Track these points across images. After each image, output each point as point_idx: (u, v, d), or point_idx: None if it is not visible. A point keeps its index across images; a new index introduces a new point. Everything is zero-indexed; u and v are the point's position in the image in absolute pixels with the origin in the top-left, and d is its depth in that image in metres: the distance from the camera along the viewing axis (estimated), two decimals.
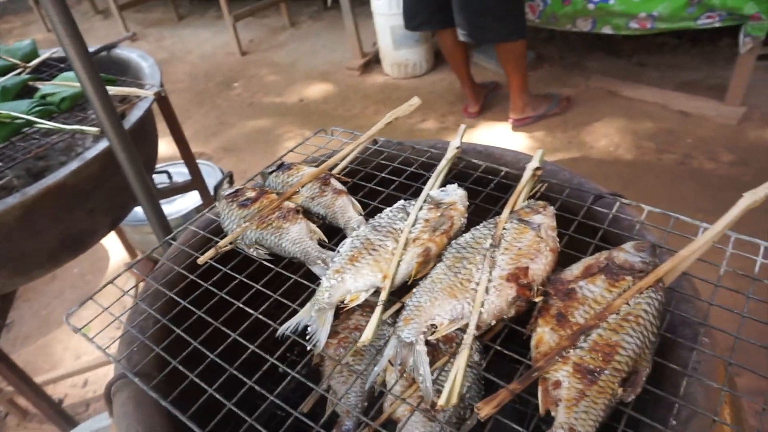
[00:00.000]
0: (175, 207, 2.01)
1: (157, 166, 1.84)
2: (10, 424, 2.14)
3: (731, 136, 2.73)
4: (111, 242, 3.13)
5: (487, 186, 0.87)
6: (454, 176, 0.91)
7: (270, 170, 0.93)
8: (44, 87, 1.47)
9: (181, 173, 2.19)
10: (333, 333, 0.91)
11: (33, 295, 2.79)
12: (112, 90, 1.38)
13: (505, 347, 0.64)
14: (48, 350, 2.44)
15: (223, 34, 5.26)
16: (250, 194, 0.86)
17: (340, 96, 3.97)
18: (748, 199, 0.65)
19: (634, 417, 0.55)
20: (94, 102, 1.08)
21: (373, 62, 4.21)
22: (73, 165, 1.24)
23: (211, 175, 2.19)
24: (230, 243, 0.81)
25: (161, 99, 1.54)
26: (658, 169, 2.64)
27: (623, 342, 0.57)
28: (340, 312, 0.83)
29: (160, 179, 2.02)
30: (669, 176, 2.58)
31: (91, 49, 1.22)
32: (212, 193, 1.88)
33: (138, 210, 2.08)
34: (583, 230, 0.77)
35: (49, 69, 1.68)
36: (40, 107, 1.35)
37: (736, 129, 2.77)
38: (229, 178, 2.05)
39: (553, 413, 0.54)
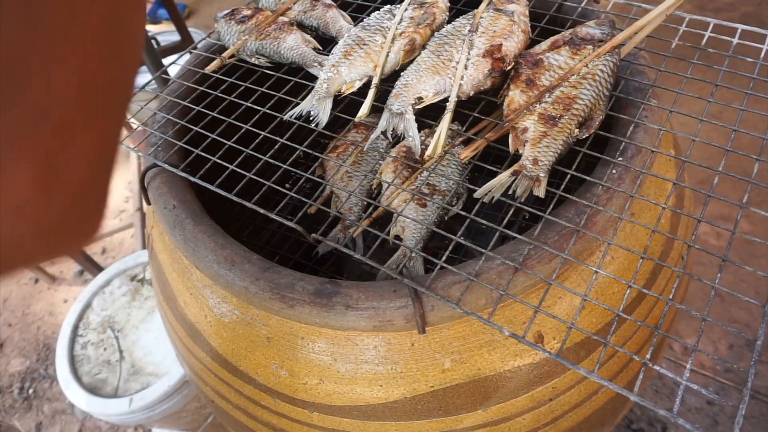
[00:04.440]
0: None
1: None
2: (41, 288, 2.34)
3: None
4: None
5: None
6: None
7: None
8: None
9: (167, 41, 2.18)
10: (332, 148, 1.02)
11: None
12: None
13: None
14: None
15: None
16: (246, 12, 0.92)
17: None
18: None
19: (589, 155, 0.66)
20: None
21: None
22: None
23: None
24: (233, 55, 0.88)
25: None
26: None
27: (581, 95, 0.67)
28: (338, 131, 0.92)
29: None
30: None
31: None
32: None
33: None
34: (554, 24, 0.84)
35: None
36: None
37: None
38: None
39: (520, 151, 0.65)
